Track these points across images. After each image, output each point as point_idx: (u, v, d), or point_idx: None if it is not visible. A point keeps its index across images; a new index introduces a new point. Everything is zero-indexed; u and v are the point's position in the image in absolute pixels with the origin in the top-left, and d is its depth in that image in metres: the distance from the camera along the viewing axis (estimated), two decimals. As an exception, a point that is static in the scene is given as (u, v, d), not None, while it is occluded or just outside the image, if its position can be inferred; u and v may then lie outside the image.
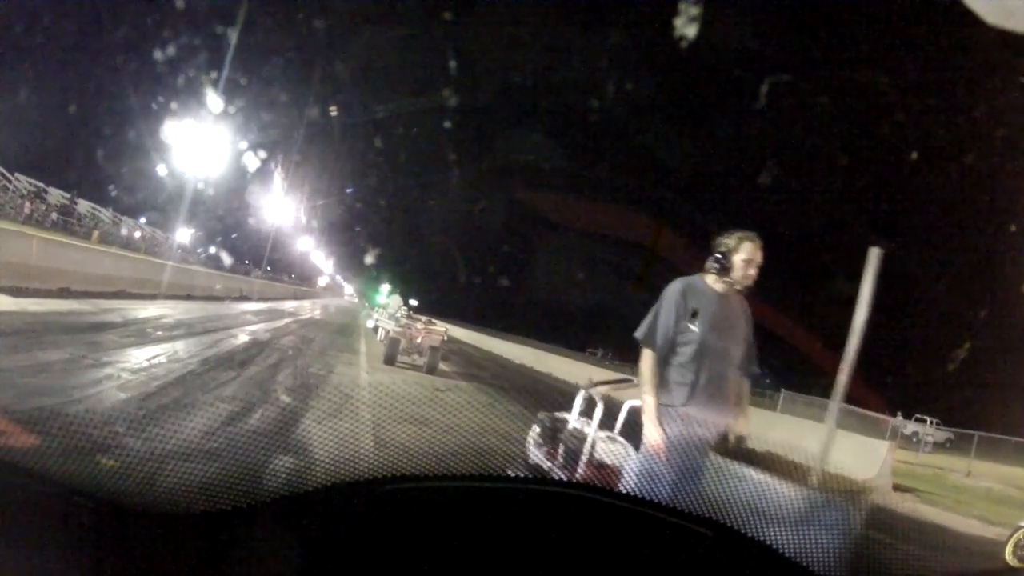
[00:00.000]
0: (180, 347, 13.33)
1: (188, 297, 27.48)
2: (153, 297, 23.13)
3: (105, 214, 52.30)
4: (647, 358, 4.44)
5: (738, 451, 4.34)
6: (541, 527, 1.82)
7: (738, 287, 4.54)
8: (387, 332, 22.32)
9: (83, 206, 49.52)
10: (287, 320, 29.84)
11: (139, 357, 10.92)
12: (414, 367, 19.22)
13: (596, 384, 7.06)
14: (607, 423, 6.33)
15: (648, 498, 1.94)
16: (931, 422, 41.93)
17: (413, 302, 29.68)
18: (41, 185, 45.98)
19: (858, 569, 2.09)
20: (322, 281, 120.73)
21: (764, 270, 4.51)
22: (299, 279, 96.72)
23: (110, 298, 19.26)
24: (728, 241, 4.50)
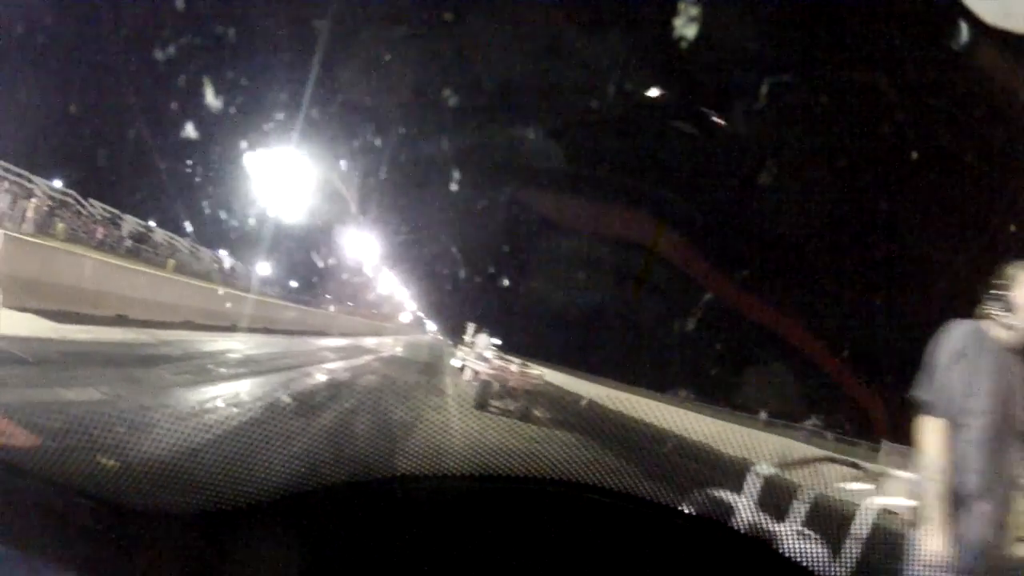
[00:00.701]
0: (244, 388, 11.41)
1: (264, 331, 25.08)
2: (225, 330, 20.97)
3: (183, 243, 52.48)
4: (934, 429, 3.34)
5: None
6: (542, 527, 1.82)
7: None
8: (476, 372, 21.09)
9: (160, 235, 49.95)
10: (368, 357, 27.41)
11: (191, 400, 9.12)
12: (505, 412, 17.49)
13: (787, 464, 5.59)
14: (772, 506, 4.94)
15: (649, 499, 1.90)
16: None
17: (496, 340, 28.26)
18: (116, 212, 46.01)
19: (860, 570, 2.02)
20: (404, 317, 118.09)
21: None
22: (381, 314, 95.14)
23: (175, 328, 17.30)
24: (1012, 272, 3.43)
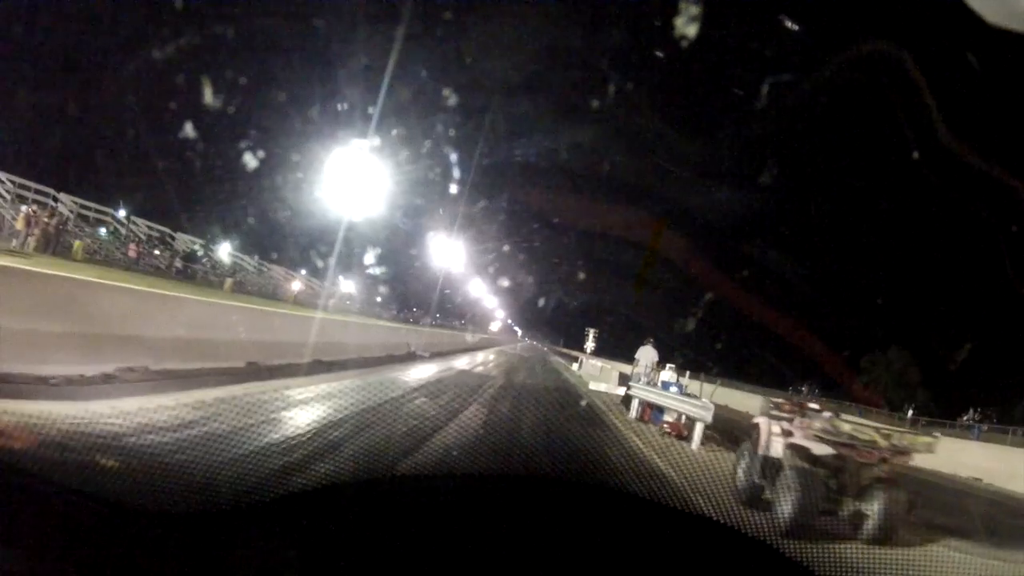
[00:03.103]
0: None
1: (319, 369, 13.84)
2: (231, 378, 10.60)
3: (249, 262, 49.36)
4: None
5: None
6: (541, 526, 1.82)
7: None
8: (650, 410, 15.96)
9: (222, 254, 46.84)
10: (483, 394, 15.72)
11: None
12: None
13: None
14: None
15: (649, 499, 1.88)
16: None
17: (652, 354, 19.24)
18: (166, 230, 41.96)
19: (859, 570, 1.97)
20: (494, 326, 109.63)
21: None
22: (470, 325, 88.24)
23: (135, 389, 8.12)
24: None
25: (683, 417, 14.14)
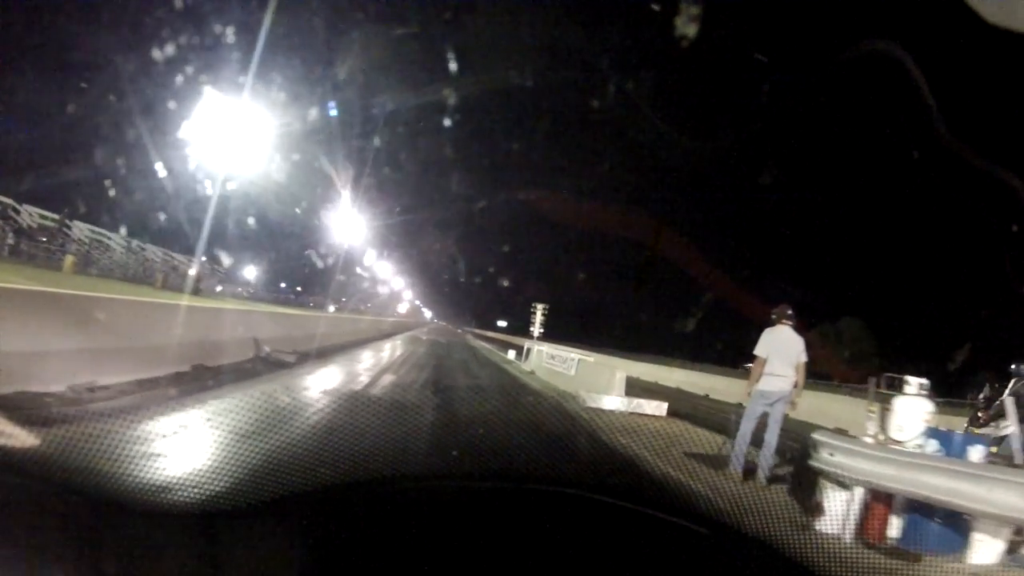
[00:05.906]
0: None
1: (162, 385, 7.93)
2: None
3: (116, 240, 43.98)
4: None
5: None
6: (541, 527, 1.83)
7: None
8: (887, 511, 5.14)
9: (81, 230, 40.85)
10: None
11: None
12: None
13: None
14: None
15: (648, 498, 1.95)
16: None
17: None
18: (8, 201, 37.47)
19: (857, 569, 2.10)
20: (401, 308, 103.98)
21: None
22: (376, 307, 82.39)
23: None
24: None
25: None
